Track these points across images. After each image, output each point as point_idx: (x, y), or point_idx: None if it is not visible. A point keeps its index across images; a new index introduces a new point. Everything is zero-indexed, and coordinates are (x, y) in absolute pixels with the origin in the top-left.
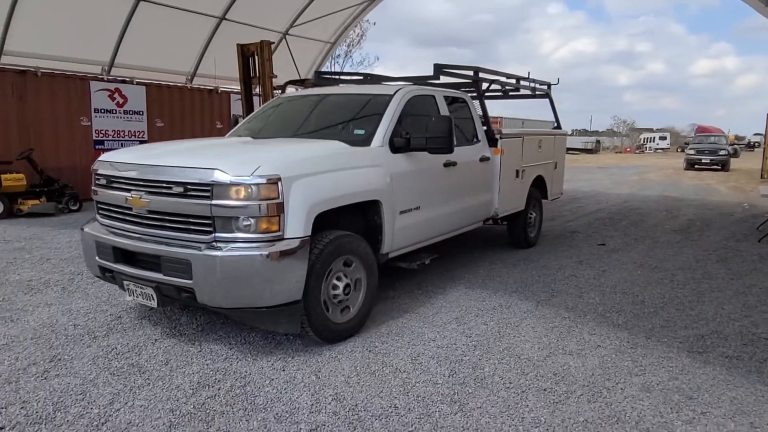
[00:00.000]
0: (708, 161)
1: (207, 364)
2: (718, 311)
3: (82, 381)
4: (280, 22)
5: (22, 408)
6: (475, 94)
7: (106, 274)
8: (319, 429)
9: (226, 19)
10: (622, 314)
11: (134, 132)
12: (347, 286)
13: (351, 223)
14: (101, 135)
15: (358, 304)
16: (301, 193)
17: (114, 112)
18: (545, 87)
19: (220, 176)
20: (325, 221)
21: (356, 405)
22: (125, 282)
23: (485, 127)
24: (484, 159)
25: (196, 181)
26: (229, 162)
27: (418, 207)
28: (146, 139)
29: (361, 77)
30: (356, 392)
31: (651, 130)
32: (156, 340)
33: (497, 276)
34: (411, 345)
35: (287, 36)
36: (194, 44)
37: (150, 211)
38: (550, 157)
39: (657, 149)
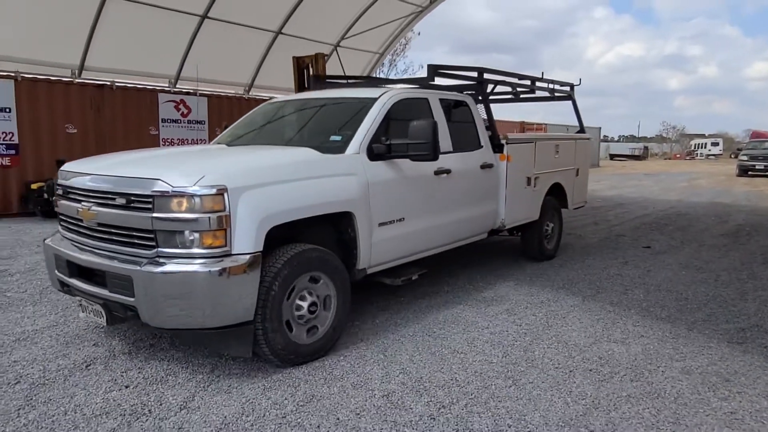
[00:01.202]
0: (762, 167)
1: None
2: (761, 308)
3: (184, 354)
4: (331, 35)
5: (139, 372)
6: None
7: (64, 288)
8: (390, 395)
9: (282, 33)
10: (665, 309)
11: (197, 140)
12: (313, 304)
13: (322, 236)
14: (167, 143)
15: (328, 323)
16: (250, 205)
17: (179, 121)
18: (567, 88)
19: (161, 187)
20: (290, 234)
21: (421, 377)
22: (78, 297)
23: (490, 132)
24: (486, 166)
25: (138, 192)
26: (173, 172)
27: (402, 219)
28: None
29: (361, 80)
30: (420, 368)
31: (703, 136)
32: None
33: (544, 274)
34: (466, 331)
35: (338, 48)
36: (252, 57)
37: (99, 224)
38: (570, 163)
39: (709, 155)
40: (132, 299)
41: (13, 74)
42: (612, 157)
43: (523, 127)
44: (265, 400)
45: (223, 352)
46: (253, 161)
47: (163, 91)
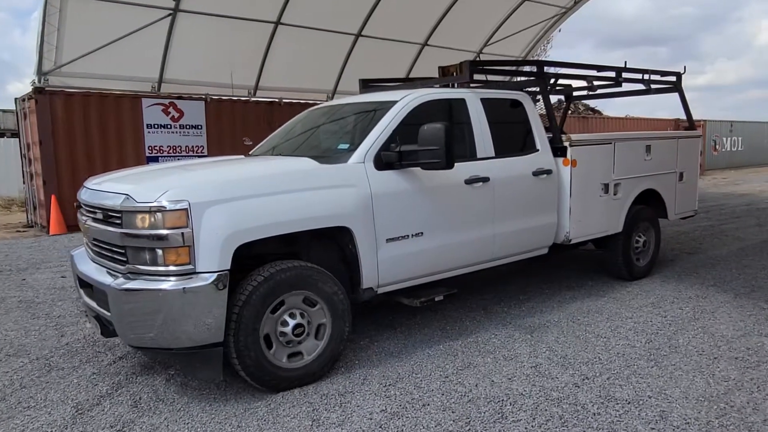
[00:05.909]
0: None
1: (445, 326)
2: None
3: (364, 326)
4: (474, 43)
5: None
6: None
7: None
8: (537, 367)
9: (428, 45)
10: None
11: None
12: (298, 326)
13: (327, 252)
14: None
15: (320, 347)
16: (216, 221)
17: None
18: (672, 78)
19: (127, 202)
20: (290, 251)
21: (566, 355)
22: (83, 309)
23: (550, 134)
24: (541, 172)
25: (110, 207)
26: (141, 186)
27: (420, 233)
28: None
29: (404, 82)
30: (565, 347)
31: None
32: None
33: (694, 272)
34: (609, 320)
35: (481, 54)
36: (401, 68)
37: (93, 238)
38: (668, 166)
39: None
40: (109, 314)
41: (203, 96)
42: None
43: (678, 124)
44: (430, 363)
45: (191, 375)
46: (227, 174)
47: (248, 101)
